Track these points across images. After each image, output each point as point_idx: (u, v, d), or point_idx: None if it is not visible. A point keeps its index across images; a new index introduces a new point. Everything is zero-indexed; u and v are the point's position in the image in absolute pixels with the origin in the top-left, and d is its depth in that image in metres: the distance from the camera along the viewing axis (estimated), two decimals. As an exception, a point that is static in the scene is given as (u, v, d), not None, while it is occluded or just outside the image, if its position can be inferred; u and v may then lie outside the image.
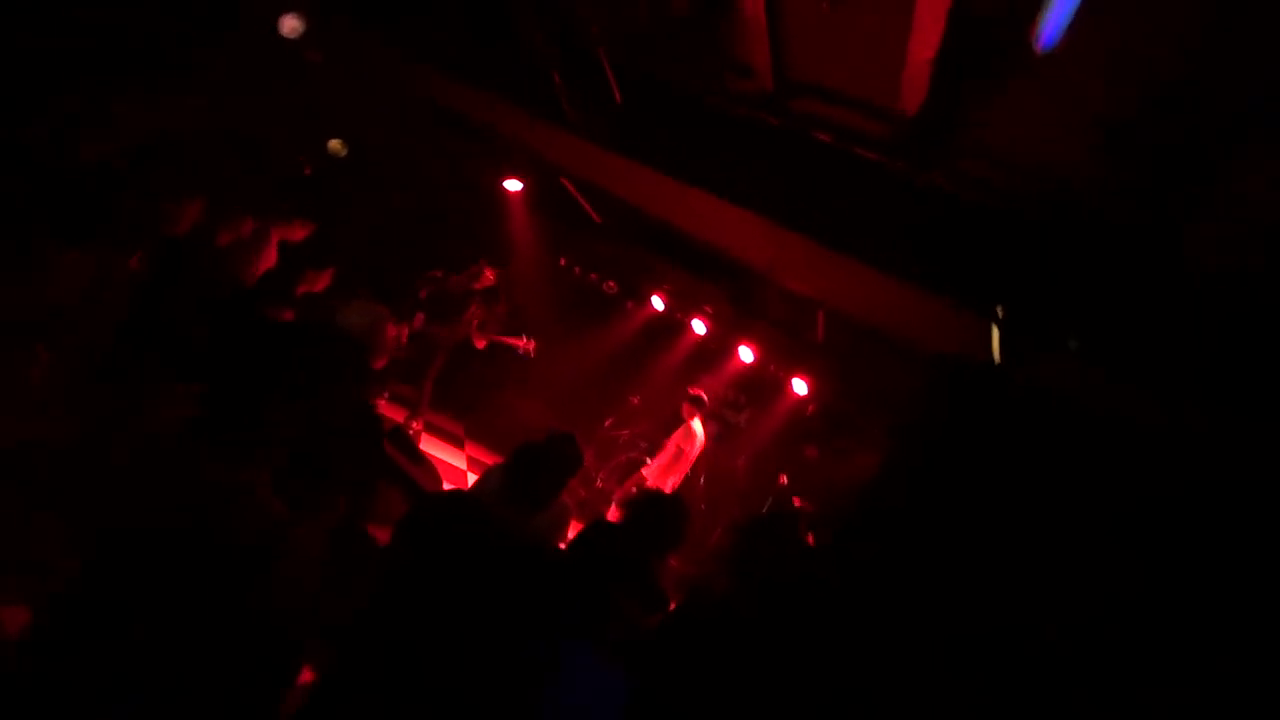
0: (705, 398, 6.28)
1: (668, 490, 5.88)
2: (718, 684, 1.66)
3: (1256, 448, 1.24)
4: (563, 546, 3.20)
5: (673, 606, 2.27)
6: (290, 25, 4.00)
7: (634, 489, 6.07)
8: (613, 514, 6.02)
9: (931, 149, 2.16)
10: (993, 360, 2.29)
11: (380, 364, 2.88)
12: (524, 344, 6.23)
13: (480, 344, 6.02)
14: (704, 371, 8.10)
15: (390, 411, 5.97)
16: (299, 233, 4.21)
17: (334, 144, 5.05)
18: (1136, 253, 1.83)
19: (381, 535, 2.80)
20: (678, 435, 6.12)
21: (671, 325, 7.96)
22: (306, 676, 2.01)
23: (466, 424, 7.31)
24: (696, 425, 6.12)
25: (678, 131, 2.80)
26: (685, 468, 6.12)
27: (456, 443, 6.89)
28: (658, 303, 7.65)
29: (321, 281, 3.89)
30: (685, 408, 6.19)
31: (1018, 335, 2.17)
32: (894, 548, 1.79)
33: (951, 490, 1.78)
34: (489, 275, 5.83)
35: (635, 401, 7.76)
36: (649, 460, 6.22)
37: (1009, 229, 2.26)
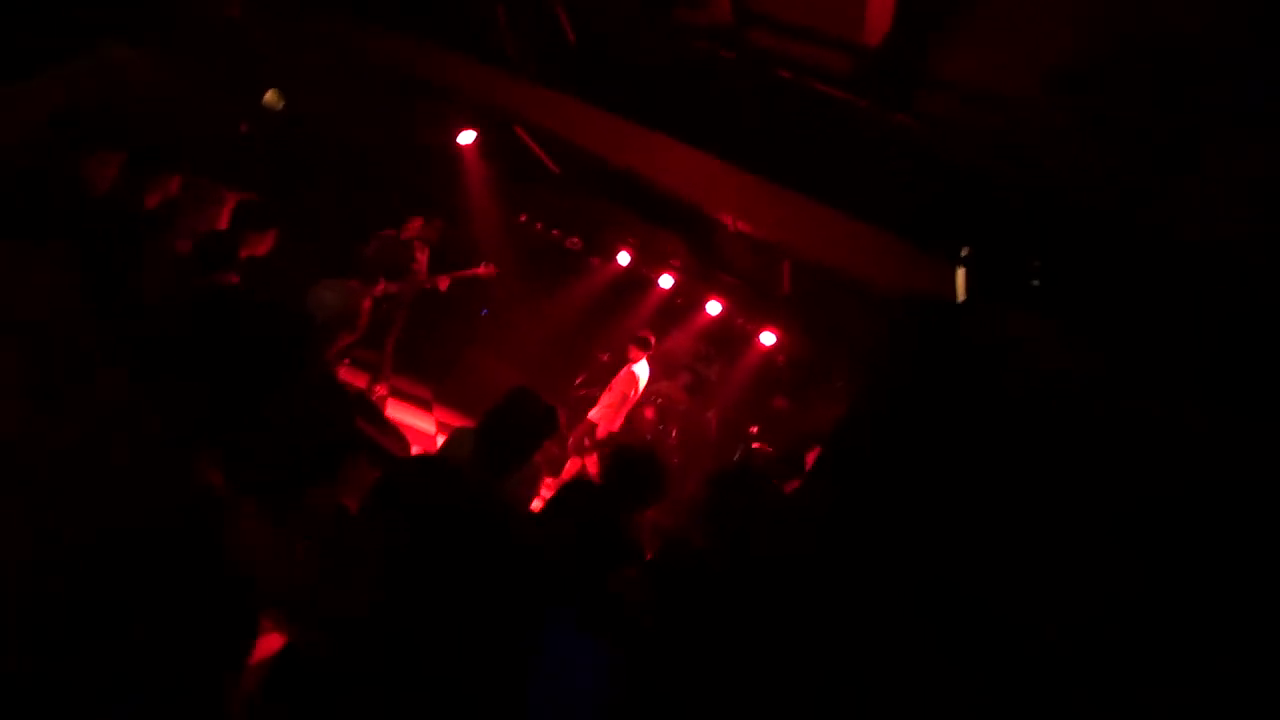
0: (652, 339, 6.23)
1: (615, 428, 5.99)
2: (699, 643, 1.67)
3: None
4: (537, 505, 3.19)
5: (649, 557, 2.28)
6: None
7: (586, 439, 6.10)
8: (572, 465, 6.05)
9: (895, 84, 2.09)
10: (956, 300, 2.29)
11: (353, 339, 2.82)
12: (485, 270, 6.06)
13: (443, 285, 5.85)
14: (673, 325, 8.07)
15: (352, 377, 5.82)
16: (240, 195, 3.98)
17: (269, 96, 4.72)
18: (1100, 194, 1.82)
19: (350, 504, 2.75)
20: (622, 377, 6.14)
21: (638, 280, 7.87)
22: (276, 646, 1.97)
23: (434, 387, 7.19)
24: (641, 367, 6.12)
25: (633, 71, 2.67)
26: (629, 408, 6.14)
27: (425, 406, 6.78)
28: (624, 258, 7.54)
29: (264, 245, 3.68)
30: (631, 349, 6.16)
31: (981, 275, 2.17)
32: (862, 495, 1.80)
33: (919, 434, 1.79)
34: (422, 222, 5.65)
35: (605, 359, 7.71)
36: (595, 407, 6.15)
37: (974, 168, 2.23)
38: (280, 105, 4.80)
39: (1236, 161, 1.62)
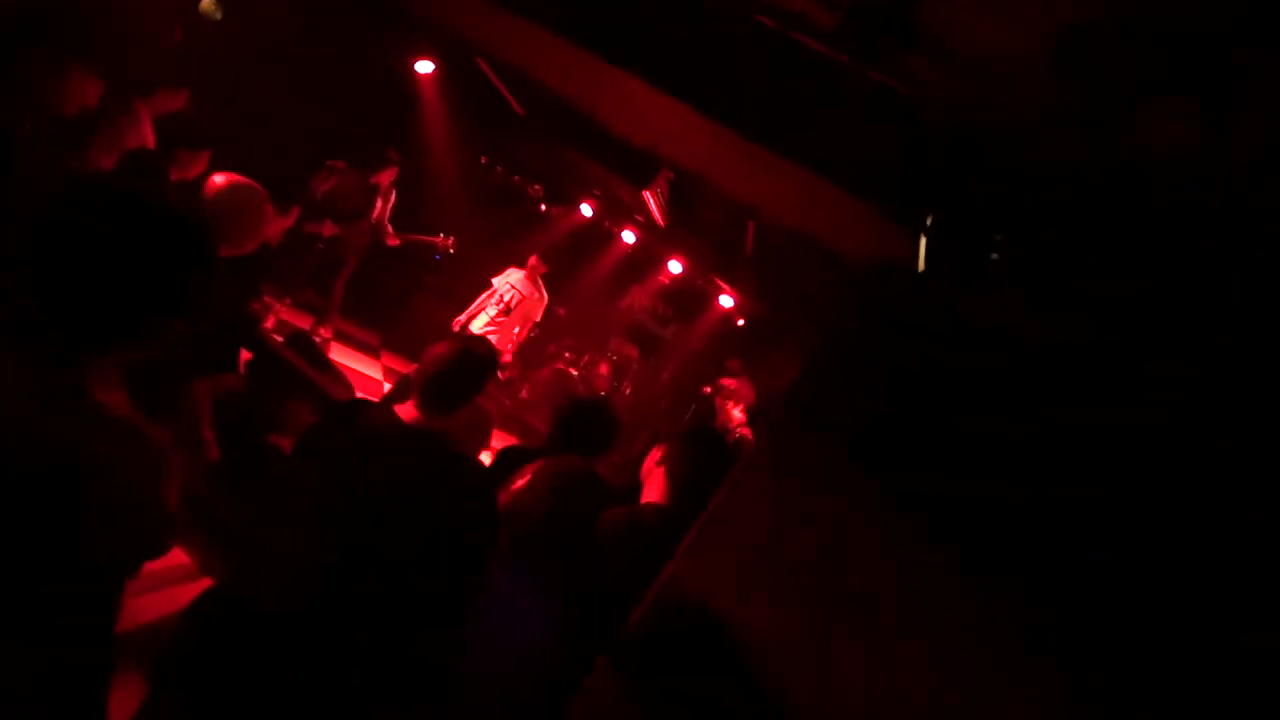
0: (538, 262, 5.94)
1: (504, 344, 5.70)
2: (645, 596, 1.67)
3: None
4: (486, 455, 3.14)
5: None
6: None
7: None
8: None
9: (877, 40, 2.03)
10: (916, 268, 2.29)
11: (250, 247, 2.44)
12: (442, 241, 5.83)
13: (394, 242, 5.59)
14: (632, 282, 7.98)
15: (295, 319, 5.55)
16: (170, 105, 3.65)
17: (206, 3, 4.29)
18: (1079, 172, 1.82)
19: (287, 445, 2.63)
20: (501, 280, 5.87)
21: (600, 234, 7.71)
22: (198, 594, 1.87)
23: (382, 333, 6.94)
24: (530, 280, 5.82)
25: (608, 5, 2.52)
26: (520, 324, 5.84)
27: (372, 353, 6.55)
28: (586, 210, 7.35)
29: (196, 166, 3.39)
30: (533, 259, 5.89)
31: (943, 244, 2.17)
32: (813, 457, 1.80)
33: (871, 400, 1.79)
34: (393, 165, 5.31)
35: (562, 313, 7.59)
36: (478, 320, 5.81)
37: (949, 133, 2.21)
38: (218, 14, 4.37)
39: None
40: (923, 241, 2.18)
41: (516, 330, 5.81)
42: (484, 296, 5.88)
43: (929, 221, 2.13)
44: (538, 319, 6.04)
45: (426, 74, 5.32)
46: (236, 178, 2.24)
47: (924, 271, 2.19)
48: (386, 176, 5.28)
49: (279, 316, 5.22)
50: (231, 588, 1.65)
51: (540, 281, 5.93)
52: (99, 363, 0.92)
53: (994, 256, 2.14)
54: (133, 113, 3.33)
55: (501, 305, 5.77)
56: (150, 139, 3.50)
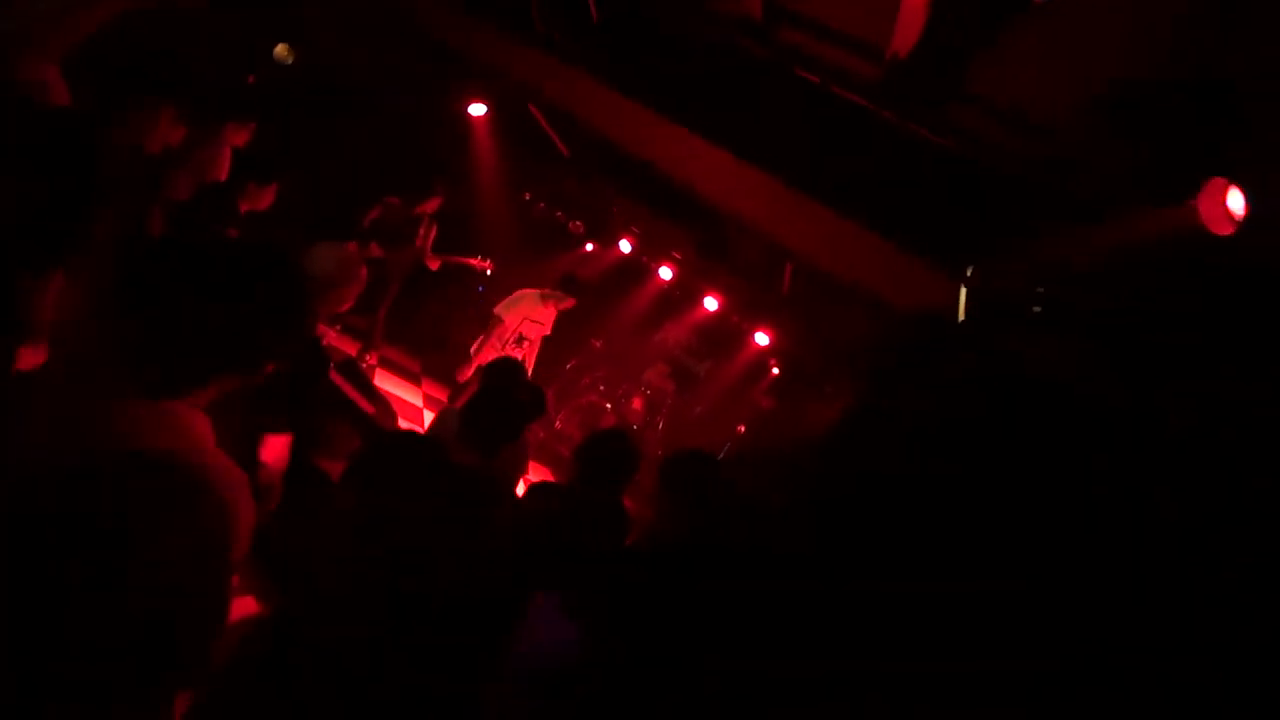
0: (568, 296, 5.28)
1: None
2: (663, 638, 1.67)
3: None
4: (520, 486, 3.18)
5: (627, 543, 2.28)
6: None
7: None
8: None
9: (919, 96, 2.08)
10: (956, 320, 2.29)
11: (347, 306, 2.70)
12: (480, 263, 5.97)
13: (434, 265, 5.75)
14: (668, 318, 8.06)
15: (343, 344, 5.76)
16: (238, 140, 3.89)
17: (280, 49, 4.61)
18: (1121, 224, 1.81)
19: (333, 470, 2.72)
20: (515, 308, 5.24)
21: (638, 269, 7.84)
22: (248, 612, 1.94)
23: (423, 361, 7.13)
24: (550, 310, 5.23)
25: (655, 57, 2.63)
26: (528, 353, 5.25)
27: (413, 379, 6.73)
28: (625, 245, 7.50)
29: (265, 199, 3.61)
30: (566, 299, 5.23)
31: (984, 296, 2.17)
32: (847, 503, 1.80)
33: (909, 447, 1.78)
34: (438, 195, 5.52)
35: (597, 345, 7.70)
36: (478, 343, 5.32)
37: (990, 187, 2.22)
38: (290, 59, 4.69)
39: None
40: (963, 291, 2.18)
41: (523, 358, 5.15)
42: (491, 329, 5.31)
43: (970, 272, 2.13)
44: (543, 335, 5.37)
45: (479, 116, 5.58)
46: (336, 246, 2.43)
47: (963, 322, 2.19)
48: (431, 205, 5.50)
49: (328, 342, 5.43)
50: (283, 615, 1.71)
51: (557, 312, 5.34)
52: (198, 393, 1.00)
53: (1036, 309, 2.12)
54: (217, 148, 3.57)
55: (516, 340, 5.20)
56: (225, 172, 3.75)
